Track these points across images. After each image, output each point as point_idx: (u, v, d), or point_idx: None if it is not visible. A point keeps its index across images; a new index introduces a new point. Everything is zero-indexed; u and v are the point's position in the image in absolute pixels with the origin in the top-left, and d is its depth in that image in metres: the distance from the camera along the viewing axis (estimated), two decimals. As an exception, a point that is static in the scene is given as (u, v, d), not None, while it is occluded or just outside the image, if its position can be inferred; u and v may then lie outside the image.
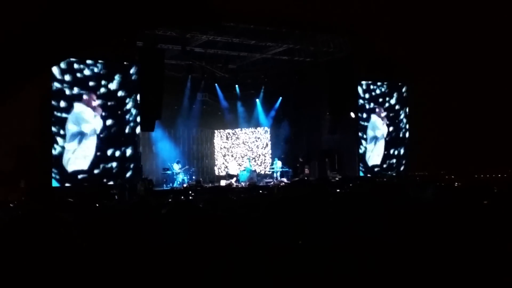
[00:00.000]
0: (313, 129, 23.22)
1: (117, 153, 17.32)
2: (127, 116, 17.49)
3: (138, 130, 17.77)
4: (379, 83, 22.39)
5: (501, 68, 21.03)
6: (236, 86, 22.94)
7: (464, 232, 5.06)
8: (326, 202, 7.67)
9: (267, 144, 23.77)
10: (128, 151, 17.50)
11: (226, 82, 22.76)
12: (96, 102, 16.96)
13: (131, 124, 17.55)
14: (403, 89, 22.97)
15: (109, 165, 17.16)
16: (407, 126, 22.98)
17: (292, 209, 6.08)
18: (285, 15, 18.39)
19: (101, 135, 17.00)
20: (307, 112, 23.19)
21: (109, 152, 17.19)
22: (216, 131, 23.87)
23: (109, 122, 17.17)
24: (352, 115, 21.77)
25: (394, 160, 22.62)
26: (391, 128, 22.58)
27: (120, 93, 17.37)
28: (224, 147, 23.93)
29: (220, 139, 23.91)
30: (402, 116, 22.91)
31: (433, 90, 22.12)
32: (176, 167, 20.20)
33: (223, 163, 23.79)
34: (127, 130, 17.48)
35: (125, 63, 17.57)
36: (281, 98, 23.86)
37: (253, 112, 24.33)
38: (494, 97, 21.81)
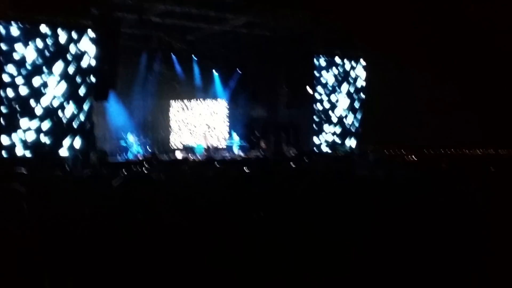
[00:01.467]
0: (270, 103, 23.30)
1: (70, 123, 16.92)
2: (82, 85, 17.06)
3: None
4: (334, 58, 22.55)
5: (463, 40, 21.53)
6: (194, 57, 22.67)
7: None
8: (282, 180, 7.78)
9: (224, 117, 23.71)
10: (82, 120, 17.11)
11: (184, 54, 22.44)
12: (43, 69, 16.43)
13: (86, 92, 17.13)
14: (360, 64, 23.19)
15: (62, 134, 16.76)
16: (363, 100, 23.29)
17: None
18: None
19: (50, 104, 16.53)
20: (265, 86, 23.23)
21: (62, 120, 16.77)
22: (172, 101, 23.57)
23: (62, 90, 16.70)
24: (309, 90, 21.96)
25: (351, 135, 22.97)
26: (347, 103, 22.87)
27: (73, 62, 16.88)
28: (180, 119, 23.70)
29: (177, 110, 23.66)
30: (357, 90, 23.17)
31: (390, 64, 22.53)
32: (131, 138, 19.94)
33: (179, 135, 23.60)
34: (81, 99, 17.06)
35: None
36: (239, 71, 23.77)
37: (210, 84, 24.16)
38: (449, 70, 22.39)
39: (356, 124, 23.09)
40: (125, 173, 10.67)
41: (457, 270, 4.22)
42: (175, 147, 22.78)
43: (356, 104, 23.09)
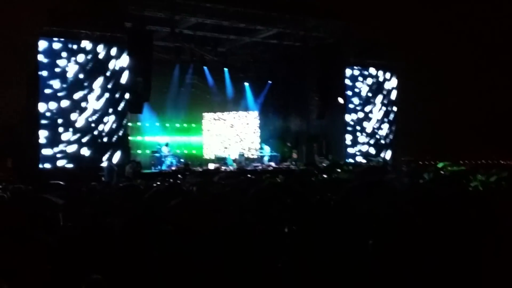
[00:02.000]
0: (301, 114, 23.25)
1: (106, 136, 17.25)
2: (118, 98, 17.40)
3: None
4: (368, 69, 22.42)
5: (493, 56, 21.19)
6: (225, 69, 22.85)
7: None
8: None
9: (255, 128, 23.76)
10: (116, 133, 17.43)
11: (215, 65, 22.65)
12: (84, 84, 16.84)
13: (122, 105, 17.46)
14: (392, 74, 22.99)
15: (99, 147, 17.09)
16: (396, 112, 23.07)
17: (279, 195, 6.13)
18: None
19: (90, 118, 16.91)
20: (296, 97, 23.20)
21: (100, 133, 17.12)
22: (204, 114, 23.79)
23: (98, 104, 17.07)
24: (340, 100, 21.83)
25: (382, 145, 22.74)
26: (380, 114, 22.69)
27: (108, 74, 17.24)
28: (212, 130, 23.87)
29: (209, 122, 23.85)
30: (391, 102, 22.98)
31: (422, 75, 22.27)
32: (165, 150, 20.17)
33: (212, 146, 23.75)
34: (117, 112, 17.40)
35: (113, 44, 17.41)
36: (270, 82, 23.83)
37: (242, 96, 24.28)
38: (485, 81, 22.02)
39: (390, 135, 22.85)
40: (158, 184, 10.80)
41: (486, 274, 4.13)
42: (208, 158, 22.93)
43: (390, 115, 22.87)
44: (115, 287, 4.15)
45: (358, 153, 22.10)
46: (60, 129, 16.45)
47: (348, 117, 21.98)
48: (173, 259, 4.50)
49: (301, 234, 5.00)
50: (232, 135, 23.59)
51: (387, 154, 22.51)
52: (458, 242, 4.45)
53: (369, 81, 22.43)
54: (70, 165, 16.47)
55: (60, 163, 16.42)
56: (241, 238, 4.62)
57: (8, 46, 15.74)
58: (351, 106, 22.05)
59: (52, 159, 16.33)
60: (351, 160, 21.67)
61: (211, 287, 4.11)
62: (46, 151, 16.25)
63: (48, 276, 3.91)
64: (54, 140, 16.36)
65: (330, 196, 6.11)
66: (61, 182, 8.87)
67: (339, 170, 17.13)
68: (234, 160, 21.13)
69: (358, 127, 22.17)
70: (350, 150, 21.95)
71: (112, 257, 4.58)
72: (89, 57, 16.88)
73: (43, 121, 16.28)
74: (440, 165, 15.98)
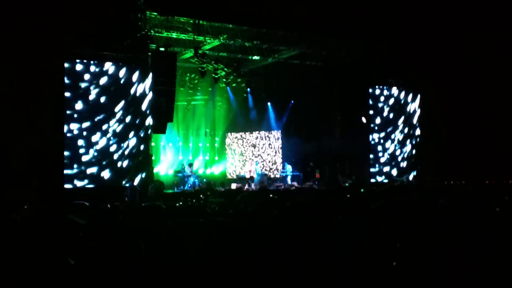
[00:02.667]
0: (324, 134, 23.17)
1: (129, 155, 17.38)
2: (140, 118, 17.56)
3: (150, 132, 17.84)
4: (391, 88, 22.29)
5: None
6: (248, 89, 22.98)
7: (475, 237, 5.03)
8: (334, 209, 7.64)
9: (278, 148, 23.76)
10: (141, 153, 17.55)
11: (238, 86, 22.79)
12: (108, 105, 17.04)
13: (144, 126, 17.61)
14: (415, 94, 22.82)
15: (121, 167, 17.22)
16: (419, 131, 22.85)
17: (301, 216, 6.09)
18: (298, 20, 18.43)
19: (114, 137, 17.08)
20: (319, 116, 23.16)
21: (122, 153, 17.26)
22: (227, 134, 23.92)
23: (122, 124, 17.25)
24: (363, 120, 21.70)
25: (405, 165, 22.48)
26: (403, 133, 22.48)
27: (132, 95, 17.44)
28: (235, 150, 23.95)
29: (232, 142, 23.94)
30: (414, 121, 22.77)
31: (445, 95, 22.05)
32: (188, 170, 20.26)
33: (235, 166, 23.80)
34: (140, 133, 17.55)
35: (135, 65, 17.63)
36: (292, 102, 23.86)
37: (264, 116, 24.35)
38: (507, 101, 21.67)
39: (414, 155, 22.60)
40: (180, 204, 10.83)
41: None
42: (231, 178, 22.97)
43: (413, 134, 22.66)
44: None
45: (381, 173, 21.87)
46: (82, 151, 16.59)
47: (371, 137, 21.81)
48: (196, 282, 4.47)
49: (327, 253, 4.94)
50: (254, 155, 23.61)
51: (411, 174, 22.21)
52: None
53: (392, 100, 22.27)
54: (93, 185, 16.57)
55: (83, 183, 16.54)
56: (264, 259, 4.58)
57: (34, 67, 16.07)
58: (373, 125, 21.88)
59: (76, 179, 16.47)
60: (374, 180, 21.44)
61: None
62: (69, 172, 16.40)
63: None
64: (77, 161, 16.51)
65: (352, 215, 6.04)
66: (85, 203, 8.94)
67: (362, 190, 16.98)
68: (262, 177, 21.15)
69: (381, 147, 21.97)
70: (373, 170, 21.73)
71: (135, 277, 4.57)
72: (112, 79, 17.09)
73: (67, 142, 16.46)
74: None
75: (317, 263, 4.89)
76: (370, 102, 21.81)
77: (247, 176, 21.02)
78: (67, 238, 4.90)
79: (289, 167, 22.00)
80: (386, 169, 21.98)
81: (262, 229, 5.61)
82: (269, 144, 23.77)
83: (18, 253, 4.65)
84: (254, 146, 23.80)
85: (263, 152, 23.68)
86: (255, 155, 23.59)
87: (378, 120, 21.99)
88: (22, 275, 4.19)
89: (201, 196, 15.90)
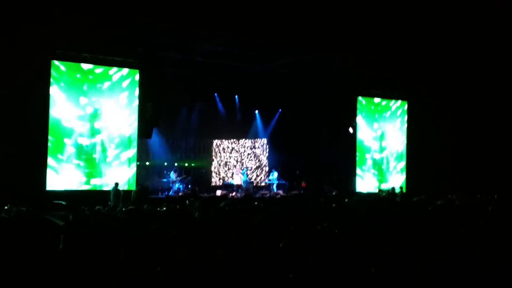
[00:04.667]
0: (311, 143, 23.20)
1: (114, 159, 17.24)
2: (126, 123, 17.43)
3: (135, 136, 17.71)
4: (379, 99, 22.40)
5: (504, 85, 21.06)
6: (236, 96, 22.94)
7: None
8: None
9: (264, 156, 23.71)
10: (125, 157, 17.42)
11: (226, 93, 22.75)
12: (92, 108, 16.92)
13: (130, 130, 17.48)
14: (403, 107, 22.97)
15: (106, 171, 17.07)
16: (406, 144, 22.97)
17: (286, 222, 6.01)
18: (288, 30, 18.41)
19: (98, 140, 16.93)
20: (306, 125, 23.20)
21: (107, 157, 17.12)
22: (214, 141, 23.83)
23: (107, 127, 17.12)
24: (351, 130, 21.78)
25: (392, 177, 22.56)
26: (390, 145, 22.59)
27: (118, 99, 17.32)
28: (221, 157, 23.85)
29: (218, 149, 23.85)
30: (400, 134, 22.90)
31: (433, 107, 22.16)
32: (173, 176, 20.13)
33: (220, 173, 23.70)
34: (125, 136, 17.41)
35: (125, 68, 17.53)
36: (280, 110, 23.87)
37: (252, 123, 24.31)
38: (496, 111, 21.81)
39: (401, 167, 22.71)
40: (164, 209, 10.68)
41: None
42: (216, 185, 22.86)
43: (400, 145, 22.77)
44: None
45: (367, 184, 21.92)
46: (69, 151, 16.44)
47: (358, 148, 21.87)
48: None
49: (304, 260, 4.88)
50: (241, 162, 23.53)
51: (398, 186, 22.26)
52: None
53: (380, 112, 22.38)
54: (77, 188, 16.42)
55: (67, 186, 16.37)
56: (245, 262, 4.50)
57: (20, 68, 15.86)
58: (361, 136, 21.95)
59: (59, 182, 16.30)
60: (360, 191, 21.49)
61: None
62: (50, 174, 16.22)
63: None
64: (57, 163, 16.36)
65: (336, 224, 5.99)
66: (63, 202, 8.80)
67: (346, 200, 16.95)
68: (247, 184, 21.07)
69: (368, 157, 22.04)
70: (360, 181, 21.78)
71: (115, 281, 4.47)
72: (100, 81, 16.99)
73: (50, 144, 16.31)
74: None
75: (301, 267, 4.82)
76: (359, 112, 21.90)
77: (235, 182, 20.94)
78: (45, 239, 4.79)
79: (275, 175, 21.94)
80: (374, 179, 22.04)
81: (246, 232, 5.55)
82: (255, 152, 23.71)
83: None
84: (241, 153, 23.70)
85: (249, 160, 23.60)
86: (241, 163, 23.51)
87: (367, 131, 22.05)
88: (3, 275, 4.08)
89: (186, 201, 15.76)
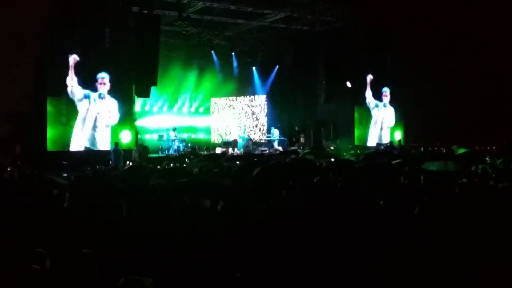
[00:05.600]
0: (309, 98, 23.16)
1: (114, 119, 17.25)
2: (124, 82, 17.37)
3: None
4: (376, 53, 22.21)
5: (495, 41, 20.96)
6: (233, 53, 22.78)
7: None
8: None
9: (263, 113, 23.69)
10: (124, 117, 17.43)
11: (223, 50, 22.56)
12: (94, 67, 16.81)
13: (127, 90, 17.43)
14: (401, 59, 22.80)
15: (105, 131, 17.10)
16: (403, 96, 22.94)
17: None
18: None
19: (97, 101, 16.90)
20: (304, 81, 23.11)
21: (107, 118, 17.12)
22: (212, 98, 23.79)
23: (105, 87, 17.06)
24: (348, 84, 21.68)
25: (390, 130, 22.66)
26: (387, 99, 22.58)
27: (116, 59, 17.19)
28: (220, 115, 23.85)
29: (216, 106, 23.84)
30: (398, 87, 22.84)
31: (428, 61, 22.08)
32: (172, 135, 20.19)
33: (220, 131, 23.75)
34: (124, 96, 17.38)
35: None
36: (277, 66, 23.73)
37: (249, 80, 24.20)
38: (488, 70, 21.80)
39: (399, 120, 22.77)
40: (164, 168, 10.83)
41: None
42: (215, 142, 22.95)
43: (398, 100, 22.77)
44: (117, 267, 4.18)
45: (366, 138, 22.02)
46: (67, 113, 16.44)
47: (356, 102, 21.84)
48: (177, 239, 4.51)
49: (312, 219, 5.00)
50: (240, 119, 23.55)
51: (396, 139, 22.37)
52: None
53: (377, 65, 22.23)
54: (78, 149, 16.46)
55: (68, 147, 16.42)
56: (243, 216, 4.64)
57: (16, 34, 15.74)
58: (359, 90, 21.88)
59: (59, 141, 16.32)
60: (359, 144, 21.57)
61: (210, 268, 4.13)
62: (51, 133, 16.21)
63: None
64: (60, 123, 16.34)
65: (333, 176, 6.12)
66: (64, 162, 8.91)
67: (344, 154, 17.09)
68: (247, 141, 21.18)
69: (366, 112, 22.05)
70: (358, 134, 21.84)
71: (119, 236, 4.60)
72: (96, 42, 16.81)
73: (50, 108, 16.25)
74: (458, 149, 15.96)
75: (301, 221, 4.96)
76: (356, 67, 21.76)
77: (233, 138, 21.03)
78: (49, 197, 4.91)
79: (275, 132, 22.00)
80: (372, 133, 22.13)
81: (245, 187, 5.68)
82: (254, 109, 23.69)
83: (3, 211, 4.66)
84: (239, 110, 23.68)
85: (247, 118, 23.61)
86: (240, 120, 23.53)
87: (363, 85, 21.98)
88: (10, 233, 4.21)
89: (186, 160, 15.91)
